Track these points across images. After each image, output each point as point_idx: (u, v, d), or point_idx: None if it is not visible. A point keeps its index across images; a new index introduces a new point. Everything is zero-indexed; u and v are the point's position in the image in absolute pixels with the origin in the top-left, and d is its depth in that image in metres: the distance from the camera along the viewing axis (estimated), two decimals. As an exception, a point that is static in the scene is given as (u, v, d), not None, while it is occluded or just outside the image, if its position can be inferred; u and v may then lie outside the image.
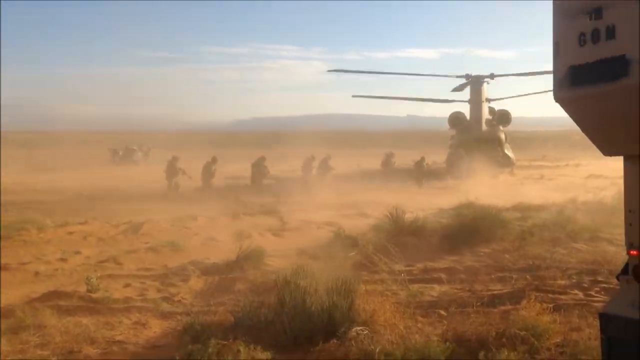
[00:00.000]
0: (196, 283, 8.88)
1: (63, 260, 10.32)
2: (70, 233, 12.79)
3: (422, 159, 27.74)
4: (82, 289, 8.09)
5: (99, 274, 8.72)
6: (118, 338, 6.45)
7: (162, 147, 52.26)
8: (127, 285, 8.74)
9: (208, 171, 23.66)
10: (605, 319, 3.17)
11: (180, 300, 8.02)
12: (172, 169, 23.60)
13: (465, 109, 34.37)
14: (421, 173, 26.98)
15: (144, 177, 28.32)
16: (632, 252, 3.10)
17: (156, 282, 8.96)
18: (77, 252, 10.93)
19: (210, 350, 5.42)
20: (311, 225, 14.21)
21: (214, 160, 23.94)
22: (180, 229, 13.55)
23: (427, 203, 17.85)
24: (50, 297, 7.81)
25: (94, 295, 7.86)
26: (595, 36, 2.73)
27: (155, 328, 6.87)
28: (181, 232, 13.07)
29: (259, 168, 25.11)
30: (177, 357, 5.49)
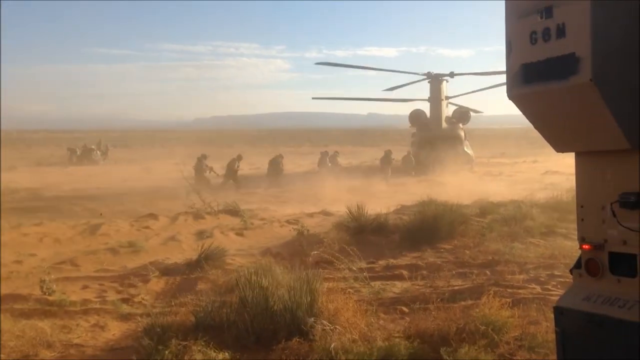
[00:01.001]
0: (157, 284, 8.75)
1: (18, 262, 10.02)
2: (25, 234, 12.44)
3: (409, 153, 31.53)
4: (38, 291, 7.88)
5: (55, 276, 8.51)
6: (75, 341, 6.30)
7: (121, 146, 51.39)
8: (84, 287, 8.55)
9: (232, 167, 25.23)
10: (559, 312, 3.25)
11: (140, 301, 7.89)
12: (200, 166, 24.83)
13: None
14: (410, 165, 30.49)
15: (103, 177, 27.82)
16: (584, 246, 3.18)
17: (115, 283, 8.80)
18: (33, 254, 10.63)
19: (170, 351, 5.34)
20: (274, 223, 14.17)
21: (239, 157, 25.60)
22: (140, 229, 13.33)
23: (389, 200, 18.00)
24: (5, 300, 7.58)
25: (50, 298, 7.66)
26: (546, 34, 2.79)
27: (115, 330, 6.74)
28: (141, 233, 12.86)
29: (276, 164, 27.35)
30: (136, 359, 5.40)
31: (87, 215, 15.57)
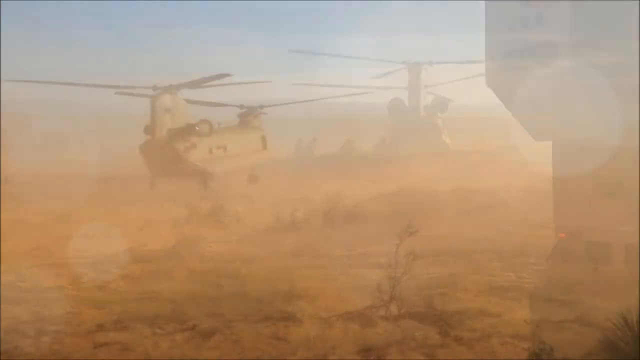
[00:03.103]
0: (132, 270, 8.66)
1: (-10, 248, 9.81)
2: (-1, 220, 12.18)
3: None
4: (11, 278, 7.76)
5: (28, 263, 8.38)
6: (50, 328, 6.21)
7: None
8: (59, 274, 8.42)
9: (309, 148, 31.03)
10: (535, 300, 3.28)
11: (115, 288, 7.80)
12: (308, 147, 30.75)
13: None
14: None
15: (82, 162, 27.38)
16: (561, 234, 3.21)
17: (90, 270, 8.68)
18: (6, 240, 10.42)
19: (145, 338, 5.29)
20: (253, 211, 14.08)
21: (315, 140, 31.40)
22: (116, 215, 13.14)
23: (368, 189, 17.98)
24: (-23, 287, 7.43)
25: (23, 285, 7.55)
26: (526, 21, 2.78)
27: (89, 317, 6.65)
28: (117, 219, 12.67)
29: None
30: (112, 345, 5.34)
31: (63, 200, 15.27)
